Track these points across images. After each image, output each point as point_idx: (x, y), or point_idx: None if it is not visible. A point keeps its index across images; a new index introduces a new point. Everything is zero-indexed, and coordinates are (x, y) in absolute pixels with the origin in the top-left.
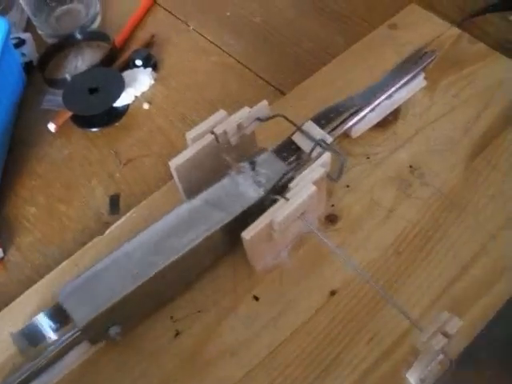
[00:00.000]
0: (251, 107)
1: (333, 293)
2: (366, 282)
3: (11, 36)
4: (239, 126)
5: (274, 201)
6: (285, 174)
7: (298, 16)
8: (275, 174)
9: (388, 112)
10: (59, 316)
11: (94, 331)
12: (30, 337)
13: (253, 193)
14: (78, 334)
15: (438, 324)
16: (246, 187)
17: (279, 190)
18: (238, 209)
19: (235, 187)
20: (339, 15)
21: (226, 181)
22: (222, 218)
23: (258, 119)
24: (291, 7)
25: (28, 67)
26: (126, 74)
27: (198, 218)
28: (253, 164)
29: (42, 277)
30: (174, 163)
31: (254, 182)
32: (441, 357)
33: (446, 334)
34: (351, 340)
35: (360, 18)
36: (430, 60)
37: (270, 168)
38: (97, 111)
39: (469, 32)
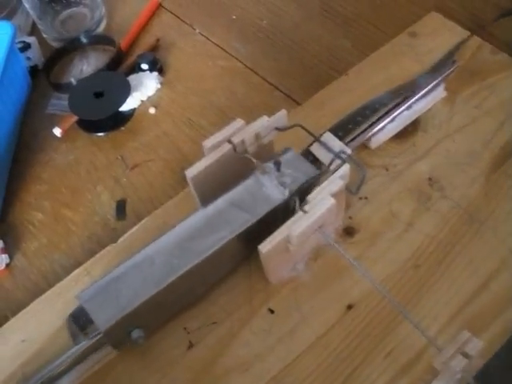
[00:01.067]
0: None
1: (350, 307)
2: (384, 296)
3: (16, 40)
4: (257, 136)
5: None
6: (311, 178)
7: (305, 19)
8: (301, 175)
9: (407, 123)
10: None
11: (117, 335)
12: (79, 321)
13: (278, 194)
14: (100, 337)
15: (457, 344)
16: (270, 188)
17: (305, 191)
18: (263, 210)
19: (260, 188)
20: (346, 19)
21: (250, 181)
22: (247, 219)
23: (277, 129)
24: (298, 11)
25: (33, 71)
26: (132, 78)
27: (222, 220)
28: (278, 164)
29: (48, 283)
30: (191, 173)
31: (279, 183)
32: (460, 376)
33: (465, 355)
34: (368, 355)
35: (367, 22)
36: (450, 70)
37: (295, 169)
38: (102, 116)
39: (488, 41)
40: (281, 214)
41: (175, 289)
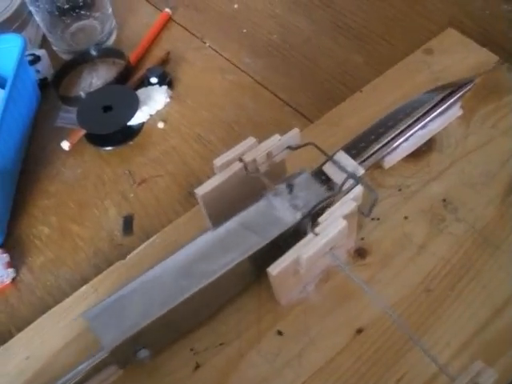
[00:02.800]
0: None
1: (359, 331)
2: (394, 321)
3: (26, 53)
4: (269, 154)
5: (302, 234)
6: (324, 200)
7: (317, 34)
8: (313, 198)
9: (422, 142)
10: None
11: (122, 354)
12: None
13: (289, 217)
14: (105, 356)
15: (470, 375)
16: (282, 211)
17: (316, 215)
18: (273, 233)
19: (271, 210)
20: (358, 33)
21: (261, 203)
22: (257, 242)
23: (289, 148)
24: (309, 25)
25: (42, 84)
26: (141, 92)
27: (232, 242)
28: (290, 187)
29: (54, 298)
30: (201, 191)
31: (291, 206)
32: None
33: None
34: (377, 381)
35: (379, 37)
36: (467, 88)
37: (307, 191)
38: (111, 130)
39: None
40: (292, 236)
41: (183, 310)
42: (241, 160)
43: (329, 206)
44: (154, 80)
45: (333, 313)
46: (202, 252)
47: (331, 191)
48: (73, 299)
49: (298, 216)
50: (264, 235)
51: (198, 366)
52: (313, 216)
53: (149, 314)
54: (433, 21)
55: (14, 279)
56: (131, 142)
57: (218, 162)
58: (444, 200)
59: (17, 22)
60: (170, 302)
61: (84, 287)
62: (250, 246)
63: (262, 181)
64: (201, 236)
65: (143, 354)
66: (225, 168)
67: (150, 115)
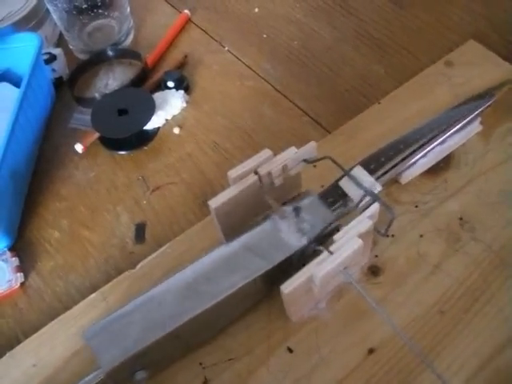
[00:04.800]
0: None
1: (371, 351)
2: (406, 343)
3: (43, 51)
4: (284, 167)
5: (316, 251)
6: (330, 224)
7: (338, 42)
8: (320, 222)
9: (440, 158)
10: None
11: (120, 375)
12: None
13: (295, 241)
14: (102, 377)
15: None
16: (288, 234)
17: (322, 239)
18: (278, 257)
19: (277, 233)
20: (380, 43)
21: (267, 225)
22: (262, 265)
23: (305, 161)
24: (331, 32)
25: (58, 83)
26: (157, 96)
27: (235, 264)
28: (297, 210)
29: (63, 304)
30: (214, 203)
31: (297, 230)
32: None
33: None
34: None
35: (401, 47)
36: (487, 104)
37: (314, 215)
38: (125, 134)
39: None
40: (297, 259)
41: (185, 331)
42: (256, 173)
43: (339, 226)
44: (170, 84)
45: (344, 331)
46: (206, 272)
47: (337, 212)
48: (82, 307)
49: (304, 241)
50: (269, 259)
51: (206, 381)
52: (320, 239)
53: (148, 335)
54: (457, 33)
55: (22, 284)
56: (146, 147)
57: (233, 173)
58: (461, 218)
59: (34, 20)
60: (172, 323)
61: (93, 295)
62: (255, 270)
63: (274, 191)
64: (206, 256)
65: (140, 375)
66: (239, 180)
67: (166, 120)
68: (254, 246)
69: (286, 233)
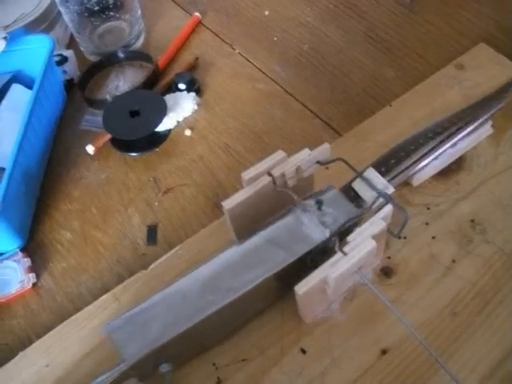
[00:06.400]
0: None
1: (384, 352)
2: (420, 343)
3: (54, 53)
4: (298, 169)
5: (331, 250)
6: (353, 218)
7: (348, 45)
8: (342, 215)
9: (451, 160)
10: None
11: (144, 368)
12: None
13: (318, 234)
14: (126, 369)
15: None
16: (310, 227)
17: (345, 232)
18: (301, 250)
19: (299, 226)
20: (390, 46)
21: (289, 219)
22: (285, 258)
23: (318, 162)
24: (341, 36)
25: (69, 85)
26: (168, 98)
27: (258, 257)
28: (319, 203)
29: (74, 305)
30: (228, 204)
31: (320, 223)
32: None
33: None
34: None
35: (411, 51)
36: (498, 107)
37: (336, 208)
38: (137, 136)
39: None
40: (319, 253)
41: (206, 325)
42: (269, 174)
43: (357, 223)
44: (182, 86)
45: (357, 332)
46: (227, 267)
47: (360, 208)
48: (94, 307)
49: (327, 233)
50: (291, 252)
51: (219, 382)
52: (341, 234)
53: (172, 328)
54: (467, 36)
55: (34, 284)
56: (157, 149)
57: (247, 175)
58: (472, 221)
59: (45, 22)
60: (195, 316)
61: (105, 296)
62: (277, 263)
63: (290, 195)
64: (227, 250)
65: (165, 368)
66: (253, 182)
67: (177, 122)
68: (276, 239)
69: (308, 226)
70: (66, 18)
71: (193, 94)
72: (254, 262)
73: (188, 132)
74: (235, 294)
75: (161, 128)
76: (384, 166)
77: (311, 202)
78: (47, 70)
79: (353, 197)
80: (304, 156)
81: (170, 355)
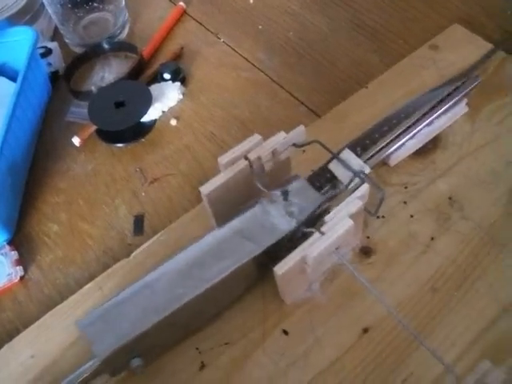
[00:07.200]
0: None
1: (365, 330)
2: (399, 322)
3: (38, 45)
4: (274, 152)
5: (305, 234)
6: (319, 206)
7: (333, 32)
8: (309, 205)
9: (427, 140)
10: None
11: (115, 363)
12: None
13: (285, 224)
14: (97, 365)
15: (477, 375)
16: (277, 218)
17: (312, 221)
18: (269, 241)
19: (266, 217)
20: (375, 32)
21: (256, 210)
22: (253, 249)
23: (294, 145)
24: (326, 22)
25: (54, 77)
26: (154, 88)
27: (226, 249)
28: (285, 194)
29: (62, 296)
30: (206, 189)
31: (286, 213)
32: None
33: None
34: (383, 381)
35: (396, 36)
36: (473, 85)
37: (303, 198)
38: (122, 127)
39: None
40: (287, 242)
41: (178, 317)
42: (246, 158)
43: (327, 210)
44: (167, 76)
45: (338, 312)
46: (196, 259)
47: (326, 195)
48: (77, 297)
49: (294, 224)
50: (259, 243)
51: (203, 366)
52: (309, 221)
53: (142, 322)
54: (451, 20)
55: (22, 277)
56: (143, 139)
57: (223, 159)
58: (450, 198)
59: (29, 14)
60: (164, 310)
61: (89, 285)
62: (245, 254)
63: (266, 176)
64: (197, 242)
65: (135, 362)
66: (229, 166)
67: (163, 112)
68: (244, 231)
69: (275, 216)
70: (50, 9)
71: (178, 84)
72: (222, 254)
73: (174, 122)
74: (203, 286)
75: (146, 118)
76: (359, 146)
77: (277, 193)
78: (31, 62)
79: (319, 185)
80: (279, 139)
81: (144, 349)
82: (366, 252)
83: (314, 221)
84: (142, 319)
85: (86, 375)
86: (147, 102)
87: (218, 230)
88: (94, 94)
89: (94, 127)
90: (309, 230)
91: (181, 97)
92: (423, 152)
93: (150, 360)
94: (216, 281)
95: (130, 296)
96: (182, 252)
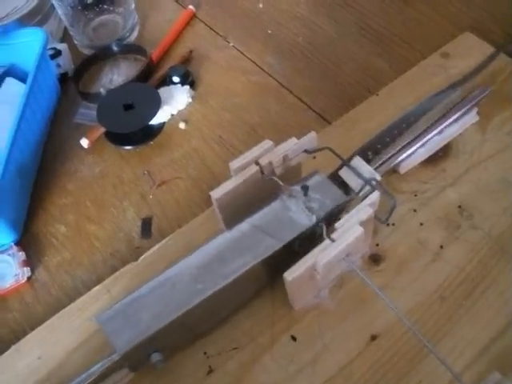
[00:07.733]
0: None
1: (373, 337)
2: (408, 328)
3: (48, 47)
4: (285, 158)
5: (319, 237)
6: (340, 204)
7: (340, 37)
8: (329, 201)
9: (438, 148)
10: None
11: (135, 358)
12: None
13: (305, 219)
14: (117, 360)
15: None
16: (297, 213)
17: (333, 217)
18: (288, 236)
19: (286, 212)
20: (381, 36)
21: (276, 205)
22: (272, 244)
23: (305, 151)
24: (334, 27)
25: (63, 78)
26: (163, 91)
27: (246, 244)
28: (305, 189)
29: (69, 298)
30: (216, 194)
31: (306, 208)
32: None
33: None
34: None
35: (402, 41)
36: (483, 94)
37: (323, 193)
38: (131, 129)
39: None
40: (306, 239)
41: (197, 313)
42: (257, 163)
43: (345, 210)
44: (176, 79)
45: (347, 319)
46: (216, 254)
47: (348, 195)
48: (85, 299)
49: (314, 219)
50: (279, 238)
51: (211, 371)
52: (328, 220)
53: (162, 317)
54: (456, 25)
55: (29, 278)
56: (151, 142)
57: (234, 164)
58: (459, 207)
59: (39, 15)
60: (185, 304)
61: (97, 287)
62: (265, 249)
63: (278, 184)
64: (215, 238)
65: (156, 357)
66: (241, 171)
67: (172, 115)
68: (263, 226)
69: (295, 211)
70: (60, 11)
71: (187, 87)
72: (242, 249)
73: (182, 125)
74: (224, 282)
75: (155, 121)
76: (371, 150)
77: (297, 188)
78: (41, 63)
79: (340, 183)
80: (291, 145)
81: (161, 345)
82: (375, 259)
83: (335, 216)
84: (163, 314)
85: (102, 370)
86: (156, 104)
87: (237, 226)
88: (102, 96)
89: (103, 129)
90: (325, 229)
91: (190, 100)
92: (433, 160)
93: (168, 356)
94: (236, 276)
95: (149, 291)
96: (201, 248)
